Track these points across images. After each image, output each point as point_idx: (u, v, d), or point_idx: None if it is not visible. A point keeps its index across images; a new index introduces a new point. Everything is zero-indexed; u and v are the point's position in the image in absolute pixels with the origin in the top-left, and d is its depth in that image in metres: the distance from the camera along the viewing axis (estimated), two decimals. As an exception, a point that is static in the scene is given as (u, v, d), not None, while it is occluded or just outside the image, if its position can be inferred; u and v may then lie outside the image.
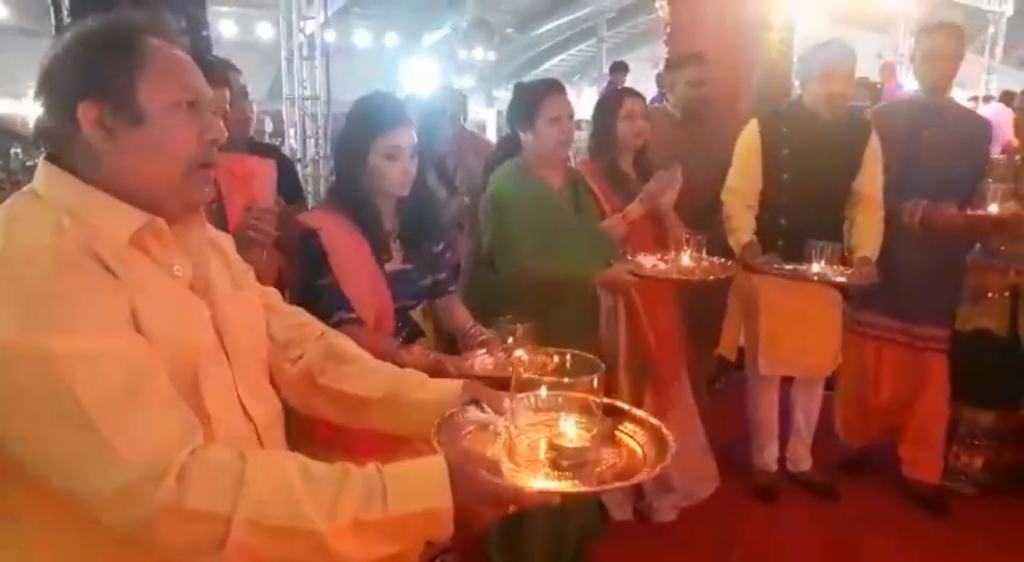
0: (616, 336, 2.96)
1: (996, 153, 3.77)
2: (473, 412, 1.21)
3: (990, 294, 3.06)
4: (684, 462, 3.12)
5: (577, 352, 1.17)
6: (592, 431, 1.08)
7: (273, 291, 1.42)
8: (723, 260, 2.62)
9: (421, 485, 1.00)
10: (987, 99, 10.76)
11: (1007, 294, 3.07)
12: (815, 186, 3.00)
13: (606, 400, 1.14)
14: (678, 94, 3.60)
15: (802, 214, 2.99)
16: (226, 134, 1.14)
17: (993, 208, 2.81)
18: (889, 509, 3.23)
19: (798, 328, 3.12)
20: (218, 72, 1.95)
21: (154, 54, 1.06)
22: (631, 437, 1.17)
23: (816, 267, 2.76)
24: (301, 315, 1.44)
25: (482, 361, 1.89)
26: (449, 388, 1.30)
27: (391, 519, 0.97)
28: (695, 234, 2.65)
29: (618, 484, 1.08)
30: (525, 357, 1.71)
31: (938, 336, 3.17)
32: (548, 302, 2.45)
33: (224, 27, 15.02)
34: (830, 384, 3.48)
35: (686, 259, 2.56)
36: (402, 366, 1.82)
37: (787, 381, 3.43)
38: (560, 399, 1.10)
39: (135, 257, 1.05)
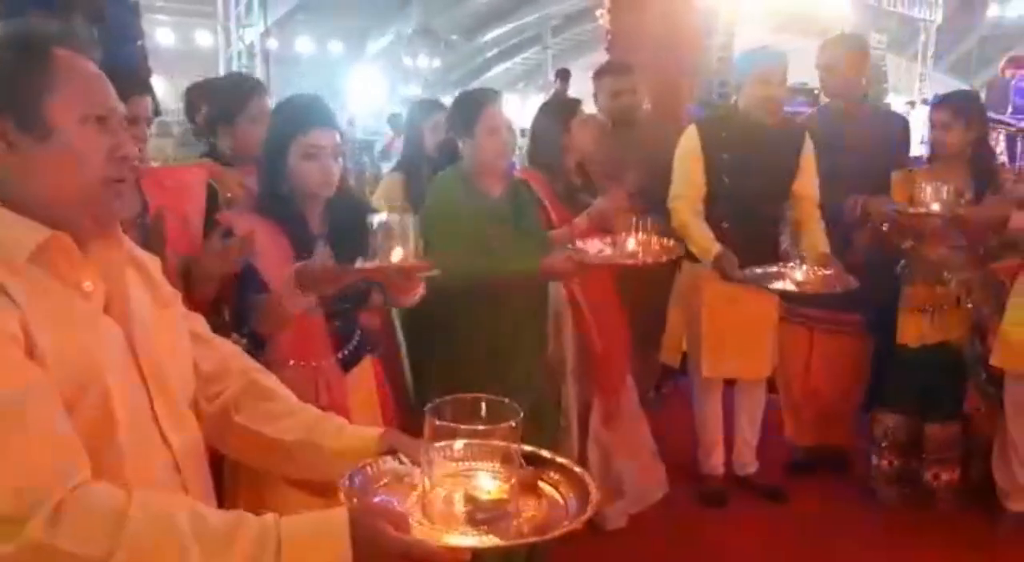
0: (563, 342, 2.95)
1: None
2: (390, 463, 1.14)
3: (945, 306, 3.07)
4: (632, 467, 3.13)
5: (492, 397, 1.07)
6: (510, 481, 1.03)
7: (199, 318, 1.35)
8: (668, 242, 2.52)
9: (318, 541, 0.95)
10: (924, 102, 11.11)
11: (956, 304, 3.08)
12: (755, 189, 3.06)
13: (527, 448, 1.09)
14: (601, 104, 3.61)
15: (743, 217, 3.04)
16: (137, 151, 1.09)
17: (935, 207, 2.82)
18: (837, 511, 3.26)
19: (739, 329, 3.16)
20: (138, 81, 1.89)
21: (63, 67, 1.02)
22: (554, 487, 1.11)
23: (799, 274, 2.83)
24: (227, 346, 1.38)
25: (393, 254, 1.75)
26: (367, 437, 1.22)
27: None
28: (644, 217, 2.56)
29: (534, 538, 1.03)
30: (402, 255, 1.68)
31: (858, 321, 3.40)
32: (494, 307, 2.43)
33: (161, 35, 14.74)
34: (772, 386, 3.54)
35: (632, 242, 2.46)
36: (307, 280, 1.77)
37: (731, 384, 3.47)
38: (479, 448, 1.02)
39: (37, 275, 1.00)
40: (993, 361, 2.97)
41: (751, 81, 3.08)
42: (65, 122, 1.01)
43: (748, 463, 3.47)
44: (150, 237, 1.86)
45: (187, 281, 1.82)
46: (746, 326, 3.16)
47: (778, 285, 2.87)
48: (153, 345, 1.12)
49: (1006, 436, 3.05)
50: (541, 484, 1.11)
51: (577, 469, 1.13)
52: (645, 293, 3.21)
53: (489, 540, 0.98)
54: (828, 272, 2.85)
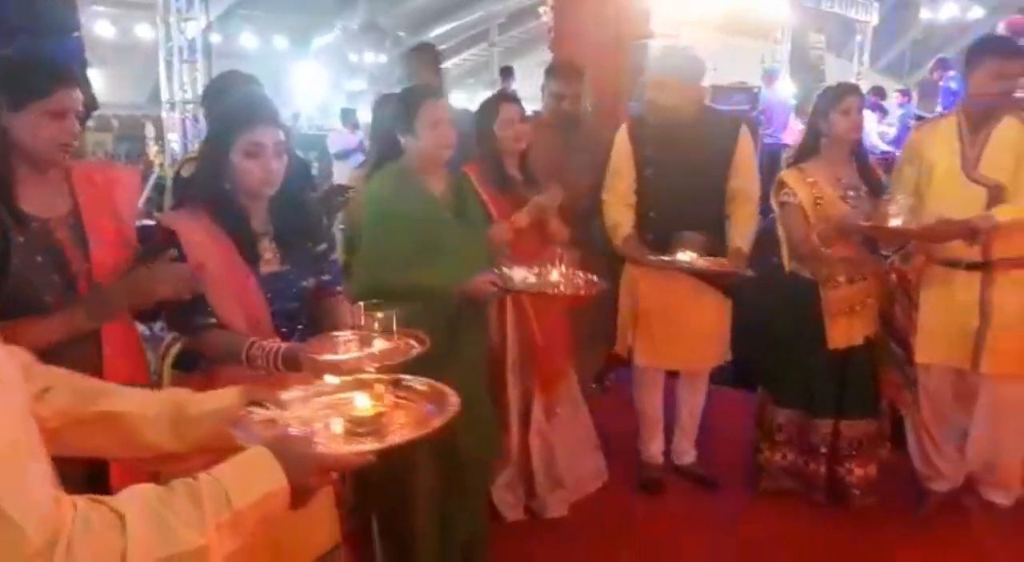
0: (504, 336, 2.99)
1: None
2: (258, 411, 1.25)
3: (869, 301, 3.13)
4: (573, 457, 3.20)
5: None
6: (382, 400, 1.25)
7: (22, 352, 1.23)
8: (590, 277, 2.58)
9: (254, 475, 1.05)
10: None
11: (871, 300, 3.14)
12: (679, 181, 3.14)
13: (385, 376, 1.35)
14: (545, 103, 3.63)
15: (669, 207, 3.14)
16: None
17: (897, 222, 2.82)
18: (773, 500, 3.29)
19: (673, 322, 3.24)
20: (67, 73, 1.83)
21: None
22: (411, 402, 1.33)
23: (685, 257, 2.94)
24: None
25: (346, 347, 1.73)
26: (227, 395, 1.27)
27: (237, 514, 1.01)
28: (568, 249, 2.71)
29: (421, 433, 1.22)
30: (384, 346, 1.66)
31: None
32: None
33: (101, 28, 14.38)
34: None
35: (555, 274, 2.51)
36: (254, 360, 1.80)
37: (675, 376, 3.54)
38: (344, 381, 1.29)
39: None
40: (918, 358, 3.07)
41: (650, 85, 3.23)
42: None
43: (686, 453, 3.55)
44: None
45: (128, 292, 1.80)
46: (682, 318, 3.23)
47: (677, 264, 3.00)
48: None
49: (921, 425, 3.17)
50: (400, 401, 1.33)
51: (430, 383, 1.36)
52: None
53: (382, 440, 1.19)
54: (713, 261, 2.99)
